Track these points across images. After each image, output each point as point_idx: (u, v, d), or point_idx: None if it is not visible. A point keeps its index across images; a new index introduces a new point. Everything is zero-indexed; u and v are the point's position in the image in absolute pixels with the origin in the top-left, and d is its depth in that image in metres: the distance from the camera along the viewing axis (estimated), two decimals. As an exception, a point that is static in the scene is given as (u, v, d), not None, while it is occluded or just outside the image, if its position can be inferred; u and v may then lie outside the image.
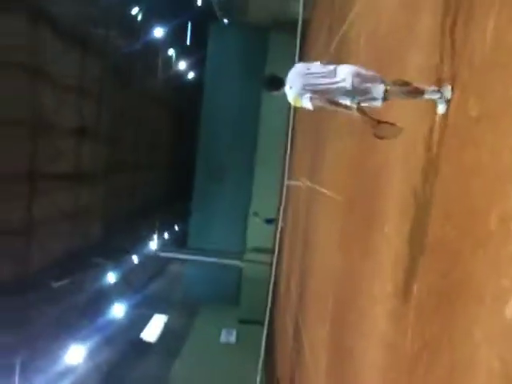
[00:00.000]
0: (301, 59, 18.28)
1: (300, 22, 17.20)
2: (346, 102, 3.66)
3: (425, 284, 3.49)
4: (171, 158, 35.44)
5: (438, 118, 3.58)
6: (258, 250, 23.23)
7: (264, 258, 22.34)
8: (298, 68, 3.92)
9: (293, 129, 18.09)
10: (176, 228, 33.74)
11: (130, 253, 23.97)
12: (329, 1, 12.62)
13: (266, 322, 17.08)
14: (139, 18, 21.66)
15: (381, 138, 3.61)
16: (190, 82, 31.16)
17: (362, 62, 6.89)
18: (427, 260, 3.50)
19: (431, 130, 3.66)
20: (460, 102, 3.24)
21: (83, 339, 17.19)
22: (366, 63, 6.75)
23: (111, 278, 21.70)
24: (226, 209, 25.19)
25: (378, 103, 3.61)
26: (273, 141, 22.42)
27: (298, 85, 3.77)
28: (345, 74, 3.64)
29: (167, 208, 32.69)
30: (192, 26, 28.98)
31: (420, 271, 3.59)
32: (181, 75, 30.12)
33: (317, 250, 9.93)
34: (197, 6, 25.01)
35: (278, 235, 18.23)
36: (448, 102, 3.42)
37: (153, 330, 23.56)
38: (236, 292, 24.47)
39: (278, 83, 4.01)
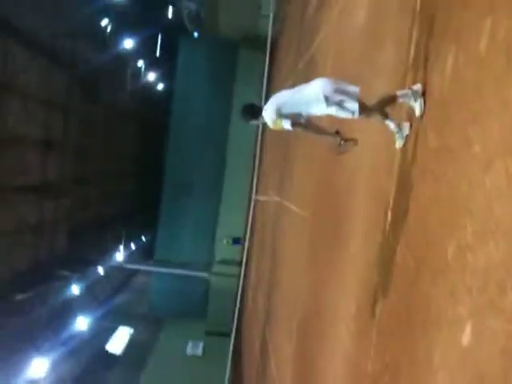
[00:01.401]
0: (269, 76, 18.53)
1: (269, 39, 17.46)
2: (322, 109, 3.63)
3: (387, 307, 3.63)
4: (139, 169, 35.24)
5: (397, 149, 3.77)
6: (225, 263, 23.25)
7: (231, 270, 22.38)
8: (275, 95, 3.94)
9: (261, 144, 18.29)
10: (143, 239, 33.47)
11: (95, 264, 23.64)
12: (297, 21, 12.89)
13: (233, 334, 17.10)
14: (108, 29, 21.56)
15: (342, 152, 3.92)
16: (158, 94, 31.11)
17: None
18: (389, 284, 3.64)
19: (392, 160, 3.85)
20: (420, 134, 3.42)
21: (47, 352, 16.89)
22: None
23: (76, 290, 21.37)
24: (193, 221, 25.14)
25: (355, 115, 3.59)
26: (242, 155, 22.58)
27: (273, 107, 3.80)
28: (317, 83, 3.65)
29: (134, 220, 32.44)
30: (162, 38, 28.99)
31: (382, 294, 3.74)
32: (150, 87, 30.05)
33: (284, 264, 10.05)
34: (167, 18, 25.06)
35: (245, 248, 18.32)
36: (406, 137, 3.63)
37: (118, 342, 23.25)
38: (203, 304, 24.36)
39: (256, 112, 4.02)
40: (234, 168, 23.11)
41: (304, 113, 3.75)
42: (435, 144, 3.15)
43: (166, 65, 27.10)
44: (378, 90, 4.61)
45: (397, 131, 3.67)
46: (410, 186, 3.48)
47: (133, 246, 31.56)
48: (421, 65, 3.56)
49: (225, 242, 22.30)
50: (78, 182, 22.07)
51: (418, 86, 3.49)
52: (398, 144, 3.71)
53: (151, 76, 28.60)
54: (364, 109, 3.59)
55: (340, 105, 3.56)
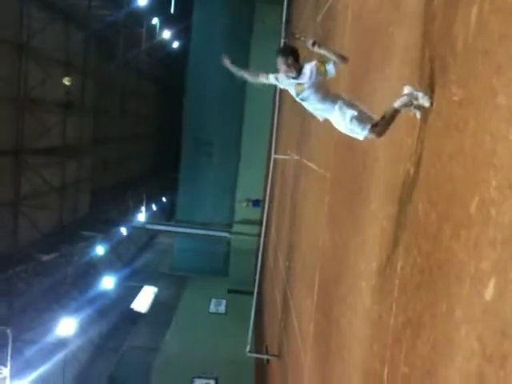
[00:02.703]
0: (287, 29, 18.12)
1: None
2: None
3: (408, 263, 3.61)
4: (157, 129, 35.23)
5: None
6: (245, 222, 23.41)
7: (252, 229, 22.54)
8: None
9: (280, 102, 18.04)
10: (164, 200, 33.76)
11: (118, 225, 24.03)
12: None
13: (255, 293, 17.35)
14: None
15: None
16: (175, 52, 30.71)
17: (347, 37, 6.92)
18: (411, 240, 3.61)
19: (414, 114, 3.75)
20: (444, 88, 3.31)
21: (74, 311, 17.38)
22: (351, 39, 6.77)
23: (100, 250, 21.79)
24: (213, 181, 25.22)
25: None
26: (260, 113, 22.37)
27: None
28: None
29: (155, 180, 32.67)
30: (176, -7, 28.41)
31: (404, 250, 3.72)
32: (166, 45, 29.64)
33: (304, 223, 10.07)
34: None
35: (265, 207, 18.38)
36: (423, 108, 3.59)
37: (143, 300, 23.84)
38: (225, 263, 24.73)
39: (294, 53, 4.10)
40: (253, 127, 22.95)
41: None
42: (459, 97, 3.05)
43: (181, 21, 26.59)
44: (399, 43, 4.46)
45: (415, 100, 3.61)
46: (433, 140, 3.40)
47: (154, 207, 31.92)
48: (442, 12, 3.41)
49: (244, 204, 22.36)
50: (98, 143, 22.21)
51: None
52: (419, 115, 3.68)
53: (166, 34, 28.10)
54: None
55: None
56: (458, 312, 2.72)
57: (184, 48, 28.13)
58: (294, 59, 4.06)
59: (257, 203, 22.26)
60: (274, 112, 19.29)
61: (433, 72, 3.53)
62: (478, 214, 2.63)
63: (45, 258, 17.08)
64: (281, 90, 18.66)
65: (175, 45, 30.19)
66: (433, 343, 3.01)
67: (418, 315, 3.32)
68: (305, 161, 10.56)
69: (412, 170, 3.71)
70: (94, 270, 22.14)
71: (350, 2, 7.30)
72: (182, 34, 27.68)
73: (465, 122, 2.92)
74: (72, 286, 19.46)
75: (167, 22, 28.12)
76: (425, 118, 3.60)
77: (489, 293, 2.42)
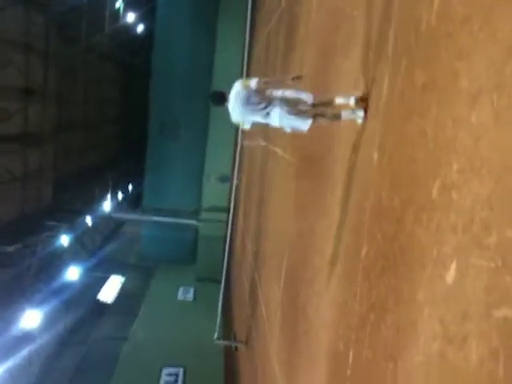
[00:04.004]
0: (252, 14, 17.99)
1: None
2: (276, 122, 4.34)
3: (372, 248, 3.64)
4: (122, 114, 34.59)
5: (385, 85, 3.67)
6: (213, 209, 23.31)
7: (220, 216, 22.47)
8: (239, 94, 4.49)
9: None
10: (130, 188, 33.32)
11: (82, 214, 23.62)
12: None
13: (223, 280, 17.36)
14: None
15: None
16: (139, 36, 30.13)
17: (311, 25, 6.88)
18: (374, 224, 3.64)
19: (378, 98, 3.75)
20: (407, 71, 3.32)
21: (38, 303, 17.07)
22: (317, 22, 6.74)
23: (64, 240, 21.40)
24: (180, 167, 24.93)
25: (305, 127, 4.29)
26: (228, 91, 22.12)
27: (239, 111, 4.48)
28: (275, 118, 4.29)
29: (120, 167, 32.15)
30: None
31: (368, 235, 3.74)
32: (129, 28, 29.03)
33: (271, 208, 10.07)
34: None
35: (233, 193, 18.33)
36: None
37: (109, 290, 23.56)
38: (193, 251, 24.61)
39: (222, 98, 4.74)
40: (220, 111, 22.68)
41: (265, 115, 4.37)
42: (422, 81, 3.05)
43: (145, 4, 26.05)
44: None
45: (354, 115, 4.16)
46: (396, 124, 3.41)
47: (120, 195, 31.46)
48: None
49: (212, 180, 22.08)
50: (60, 130, 21.68)
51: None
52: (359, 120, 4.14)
53: (131, 17, 27.47)
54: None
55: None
56: (420, 295, 2.75)
57: (149, 31, 27.58)
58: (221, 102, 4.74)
59: (224, 179, 22.05)
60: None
61: (395, 54, 3.53)
62: (440, 198, 2.65)
63: (8, 249, 16.68)
64: (248, 68, 18.54)
65: (140, 28, 29.60)
66: (396, 327, 3.04)
67: (381, 299, 3.34)
68: (271, 147, 10.54)
69: (375, 155, 3.71)
70: (58, 260, 21.73)
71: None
72: (147, 16, 27.12)
73: (427, 106, 2.92)
74: (36, 277, 19.08)
75: (131, 4, 27.50)
76: (388, 100, 3.60)
77: (450, 276, 2.45)
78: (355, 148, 4.32)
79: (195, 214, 24.38)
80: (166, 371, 16.64)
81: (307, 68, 6.95)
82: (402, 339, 2.93)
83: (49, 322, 17.35)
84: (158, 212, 24.63)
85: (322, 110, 4.34)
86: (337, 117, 4.31)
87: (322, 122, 4.43)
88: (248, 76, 18.38)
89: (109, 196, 29.00)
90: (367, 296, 3.63)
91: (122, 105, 34.35)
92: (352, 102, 4.11)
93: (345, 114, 4.22)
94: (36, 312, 15.93)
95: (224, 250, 18.62)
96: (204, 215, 23.79)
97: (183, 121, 24.32)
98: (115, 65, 31.86)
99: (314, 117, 4.25)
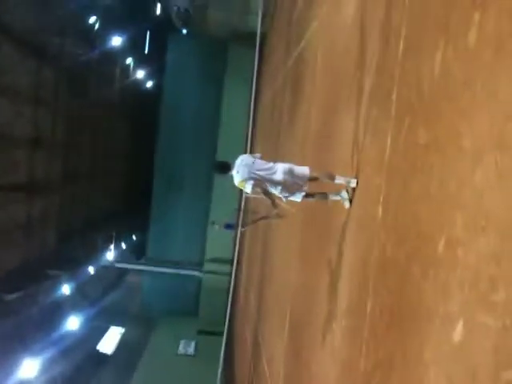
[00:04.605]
0: (259, 72, 18.48)
1: (258, 36, 17.40)
2: (276, 192, 4.79)
3: (377, 303, 3.61)
4: (128, 167, 34.97)
5: (388, 143, 3.75)
6: (217, 261, 23.18)
7: (223, 268, 22.31)
8: (244, 159, 4.93)
9: (252, 139, 18.21)
10: (134, 238, 33.27)
11: (85, 263, 23.50)
12: (287, 16, 12.84)
13: (225, 333, 17.07)
14: (96, 26, 21.38)
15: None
16: (148, 91, 30.89)
17: (317, 83, 7.07)
18: (380, 279, 3.63)
19: (382, 156, 3.83)
20: (409, 132, 3.40)
21: (38, 352, 16.77)
22: (322, 81, 6.93)
23: (66, 289, 21.22)
24: (185, 218, 25.03)
25: (298, 199, 4.87)
26: (232, 152, 22.45)
27: (244, 173, 4.82)
28: (280, 172, 4.73)
29: (125, 218, 32.22)
30: (150, 35, 28.76)
31: (373, 290, 3.72)
32: (139, 84, 29.83)
33: (275, 264, 10.03)
34: (155, 15, 24.89)
35: (237, 245, 18.27)
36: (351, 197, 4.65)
37: (109, 341, 23.14)
38: (195, 303, 24.31)
39: (227, 168, 5.00)
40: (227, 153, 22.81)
41: (264, 186, 4.79)
42: (425, 140, 3.13)
43: (154, 62, 26.89)
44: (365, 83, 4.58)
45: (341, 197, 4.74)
46: (400, 181, 3.46)
47: (124, 245, 31.36)
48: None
49: (217, 227, 21.99)
50: (66, 180, 21.90)
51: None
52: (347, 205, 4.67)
53: (140, 73, 28.34)
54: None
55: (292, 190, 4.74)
56: (427, 354, 2.71)
57: (157, 87, 28.34)
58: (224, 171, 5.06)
59: (229, 226, 21.94)
60: (245, 150, 19.42)
61: (398, 114, 3.63)
62: (446, 255, 2.66)
63: (8, 297, 16.53)
64: (253, 131, 18.92)
65: (149, 84, 30.40)
66: (403, 385, 2.98)
67: (387, 357, 3.30)
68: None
69: (380, 211, 3.75)
70: (59, 309, 21.47)
71: (320, 47, 7.50)
72: (156, 73, 27.93)
73: (430, 164, 2.98)
74: (36, 325, 18.80)
75: (141, 61, 28.37)
76: (392, 158, 3.67)
77: (457, 334, 2.43)
78: (360, 203, 4.37)
79: (199, 265, 24.25)
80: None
81: (313, 124, 7.09)
82: (409, 399, 2.87)
83: (47, 372, 16.99)
84: (162, 262, 24.54)
85: (312, 190, 4.95)
86: (324, 197, 4.91)
87: (311, 200, 5.02)
88: (252, 133, 18.71)
89: (113, 245, 28.90)
90: (373, 352, 3.57)
91: (129, 157, 34.78)
92: (353, 184, 4.56)
93: (331, 196, 4.81)
94: (35, 361, 15.63)
95: (227, 303, 18.39)
96: (207, 266, 23.65)
97: (188, 176, 24.66)
98: (124, 119, 32.46)
99: (306, 195, 4.85)
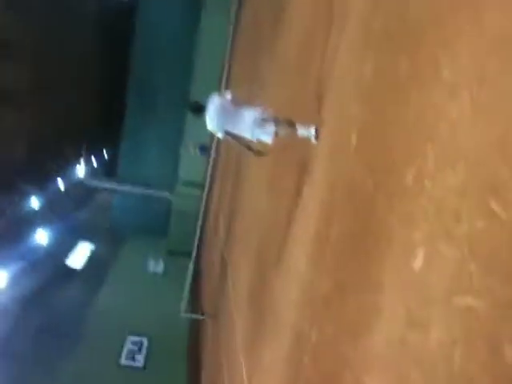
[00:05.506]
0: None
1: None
2: (247, 135, 4.88)
3: (342, 228, 3.67)
4: (102, 78, 33.88)
5: (367, 71, 3.67)
6: (189, 184, 23.18)
7: (195, 192, 22.37)
8: (215, 102, 5.10)
9: (232, 49, 17.56)
10: (106, 155, 32.90)
11: (55, 178, 23.28)
12: None
13: (194, 255, 17.38)
14: None
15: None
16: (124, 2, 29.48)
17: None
18: (346, 206, 3.68)
19: (359, 82, 3.76)
20: (390, 57, 3.33)
21: (6, 264, 16.89)
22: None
23: (35, 203, 21.12)
24: (158, 139, 24.70)
25: (269, 140, 4.89)
26: (211, 64, 21.77)
27: (216, 121, 5.05)
28: (248, 115, 4.85)
29: (97, 133, 31.64)
30: None
31: (339, 216, 3.78)
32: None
33: (246, 191, 10.09)
34: None
35: (209, 169, 18.25)
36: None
37: (78, 257, 23.40)
38: (165, 224, 24.52)
39: (200, 109, 5.21)
40: (202, 78, 22.19)
41: (236, 131, 4.98)
42: (405, 68, 3.06)
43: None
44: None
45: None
46: (377, 108, 3.42)
47: (95, 162, 31.05)
48: None
49: (191, 150, 21.73)
50: (37, 90, 21.19)
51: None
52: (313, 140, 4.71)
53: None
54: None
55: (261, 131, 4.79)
56: (386, 279, 2.80)
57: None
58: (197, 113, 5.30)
59: (204, 149, 21.71)
60: (225, 56, 18.72)
61: (377, 42, 3.52)
62: (414, 186, 2.69)
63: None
64: (233, 38, 18.26)
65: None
66: (360, 308, 3.09)
67: (347, 281, 3.40)
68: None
69: (354, 140, 3.73)
70: (28, 223, 21.45)
71: None
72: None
73: (407, 93, 2.94)
74: (4, 238, 18.82)
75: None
76: (370, 85, 3.61)
77: (417, 262, 2.50)
78: (334, 129, 4.34)
79: (170, 187, 24.24)
80: (130, 339, 16.70)
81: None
82: (365, 320, 2.98)
83: (15, 284, 17.20)
84: (133, 182, 24.43)
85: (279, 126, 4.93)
86: (293, 131, 4.93)
87: (281, 135, 5.02)
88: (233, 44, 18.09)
89: (83, 162, 28.55)
90: (334, 276, 3.68)
91: (102, 67, 33.52)
92: (312, 132, 4.64)
93: (301, 133, 4.84)
94: (3, 273, 15.77)
95: (196, 226, 18.61)
96: (179, 189, 23.66)
97: (164, 89, 23.98)
98: (96, 27, 31.04)
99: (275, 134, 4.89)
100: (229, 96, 5.21)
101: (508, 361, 1.73)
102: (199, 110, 5.23)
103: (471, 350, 1.96)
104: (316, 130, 4.68)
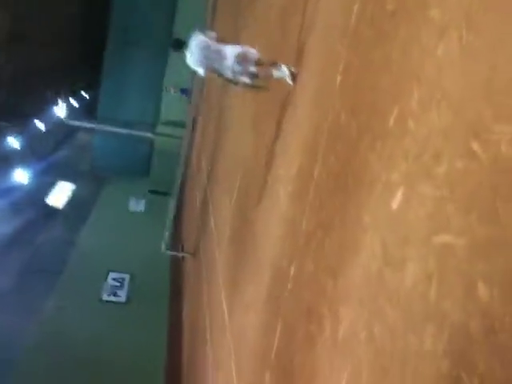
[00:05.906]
0: None
1: None
2: (228, 73, 4.94)
3: (325, 168, 3.71)
4: (82, 15, 32.61)
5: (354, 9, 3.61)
6: (171, 124, 22.90)
7: (177, 132, 22.14)
8: (198, 40, 5.07)
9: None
10: (86, 94, 32.13)
11: (35, 117, 22.77)
12: None
13: (176, 194, 17.41)
14: None
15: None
16: None
17: None
18: (330, 147, 3.69)
19: (347, 20, 3.70)
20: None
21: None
22: None
23: (14, 142, 20.73)
24: (140, 78, 24.08)
25: (249, 81, 5.02)
26: (195, 3, 21.08)
27: (197, 56, 5.04)
28: (230, 56, 4.86)
29: (77, 71, 30.75)
30: None
31: (322, 157, 3.80)
32: None
33: (230, 127, 10.02)
34: None
35: (191, 110, 18.01)
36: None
37: (59, 196, 23.26)
38: (146, 164, 24.37)
39: (181, 45, 5.24)
40: (186, 16, 21.49)
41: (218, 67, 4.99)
42: (392, 6, 3.01)
43: None
44: None
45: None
46: (363, 48, 3.38)
47: (75, 101, 30.34)
48: None
49: (172, 91, 21.35)
50: (15, 28, 20.36)
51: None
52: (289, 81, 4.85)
53: None
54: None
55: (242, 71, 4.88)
56: (366, 217, 2.86)
57: None
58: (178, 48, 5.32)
59: (184, 91, 21.34)
60: (208, 10, 18.29)
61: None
62: (396, 126, 2.70)
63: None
64: None
65: None
66: (340, 245, 3.18)
67: (329, 218, 3.46)
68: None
69: (339, 78, 3.71)
70: (6, 162, 21.12)
71: None
72: None
73: (395, 32, 2.91)
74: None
75: None
76: (357, 24, 3.56)
77: (396, 201, 2.55)
78: (321, 72, 4.30)
79: (152, 126, 23.91)
80: (112, 276, 16.92)
81: None
82: (344, 257, 3.07)
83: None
84: (114, 122, 23.98)
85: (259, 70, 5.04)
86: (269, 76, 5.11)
87: (261, 76, 5.22)
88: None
89: (63, 101, 27.83)
90: (316, 214, 3.74)
91: (83, 3, 32.18)
92: (286, 72, 4.80)
93: (276, 74, 4.94)
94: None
95: (178, 165, 18.54)
96: (161, 129, 23.37)
97: (147, 26, 23.16)
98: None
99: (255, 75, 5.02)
100: (213, 34, 5.24)
101: (481, 298, 1.80)
102: (180, 45, 5.26)
103: (447, 287, 2.03)
104: (291, 71, 4.73)
